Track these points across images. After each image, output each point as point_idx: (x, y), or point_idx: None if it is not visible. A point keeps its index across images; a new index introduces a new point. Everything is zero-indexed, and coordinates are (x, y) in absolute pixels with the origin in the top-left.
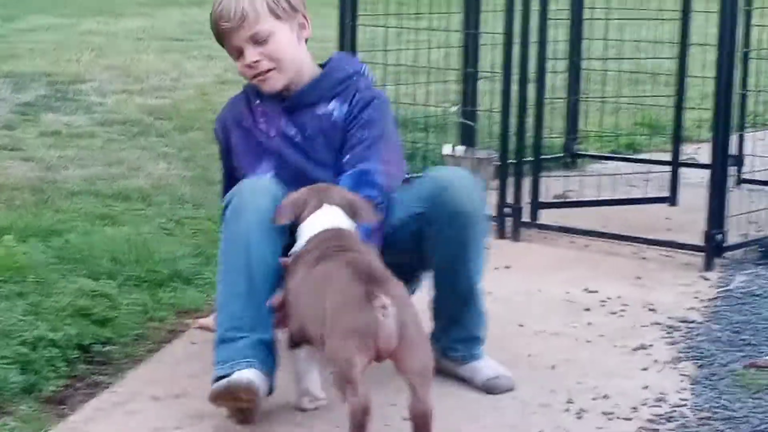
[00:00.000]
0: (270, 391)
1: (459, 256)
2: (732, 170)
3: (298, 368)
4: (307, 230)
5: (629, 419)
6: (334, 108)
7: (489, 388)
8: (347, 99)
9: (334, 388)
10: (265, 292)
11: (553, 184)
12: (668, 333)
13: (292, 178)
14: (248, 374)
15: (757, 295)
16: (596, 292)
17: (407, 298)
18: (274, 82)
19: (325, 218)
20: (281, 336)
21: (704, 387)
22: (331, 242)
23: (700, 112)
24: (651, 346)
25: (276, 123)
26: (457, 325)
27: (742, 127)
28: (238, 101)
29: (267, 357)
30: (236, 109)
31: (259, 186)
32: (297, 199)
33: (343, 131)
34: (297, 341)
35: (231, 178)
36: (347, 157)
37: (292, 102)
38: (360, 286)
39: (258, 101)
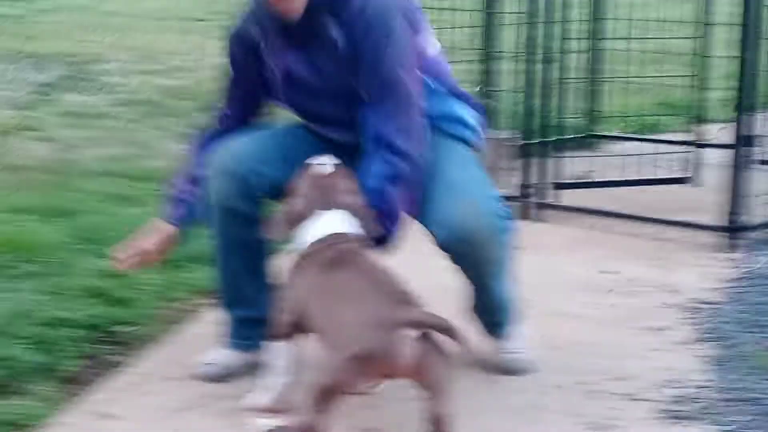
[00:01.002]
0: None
1: (483, 274)
2: (755, 150)
3: (273, 366)
4: (314, 230)
5: (649, 401)
6: (338, 36)
7: (507, 369)
8: (344, 19)
9: (302, 392)
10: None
11: (574, 165)
12: (689, 314)
13: (303, 113)
14: None
15: None
16: (617, 273)
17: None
18: (295, 3)
19: (334, 222)
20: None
21: (724, 368)
22: (344, 249)
23: (722, 92)
24: (671, 327)
25: (282, 57)
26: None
27: (765, 108)
28: (249, 25)
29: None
30: (248, 35)
31: (221, 165)
32: (292, 211)
33: (350, 60)
34: (288, 333)
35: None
36: (364, 117)
37: (296, 32)
38: (387, 310)
39: (265, 35)
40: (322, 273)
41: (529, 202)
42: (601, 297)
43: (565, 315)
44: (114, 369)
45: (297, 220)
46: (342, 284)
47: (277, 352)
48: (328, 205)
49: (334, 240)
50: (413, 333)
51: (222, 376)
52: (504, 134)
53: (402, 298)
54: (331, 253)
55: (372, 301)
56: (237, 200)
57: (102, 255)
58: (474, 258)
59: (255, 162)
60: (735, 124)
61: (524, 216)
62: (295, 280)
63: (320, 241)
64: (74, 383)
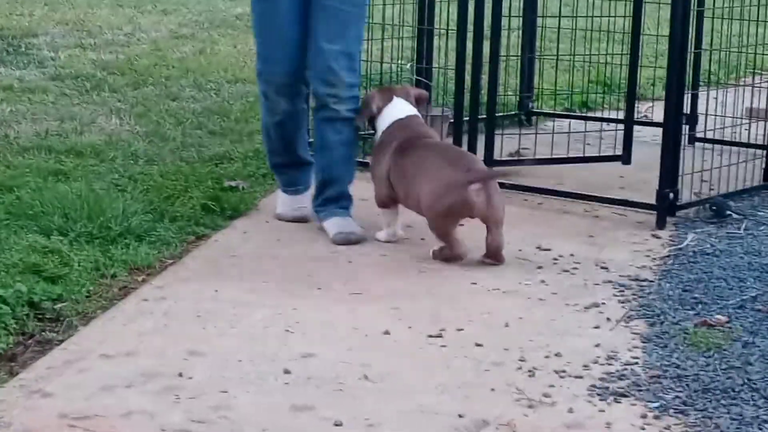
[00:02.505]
0: None
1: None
2: (685, 129)
3: (387, 219)
4: (382, 122)
5: (581, 377)
6: None
7: (337, 241)
8: None
9: (439, 243)
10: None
11: (507, 142)
12: (620, 291)
13: None
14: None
15: (709, 254)
16: (549, 250)
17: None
18: None
19: (395, 109)
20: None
21: (655, 345)
22: (407, 130)
23: (654, 71)
24: (603, 304)
25: None
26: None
27: (695, 86)
28: None
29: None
30: None
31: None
32: (369, 98)
33: None
34: (385, 203)
35: None
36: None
37: None
38: (458, 174)
39: None
40: (401, 151)
41: None
42: (535, 274)
43: (500, 292)
44: (49, 346)
45: (374, 112)
46: (420, 159)
47: (385, 214)
48: (391, 98)
49: (403, 123)
50: (478, 186)
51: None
52: (437, 111)
53: (466, 162)
54: (399, 139)
55: (447, 171)
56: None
57: (36, 231)
58: None
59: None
60: (666, 102)
61: None
62: (381, 159)
63: (388, 128)
64: (8, 360)
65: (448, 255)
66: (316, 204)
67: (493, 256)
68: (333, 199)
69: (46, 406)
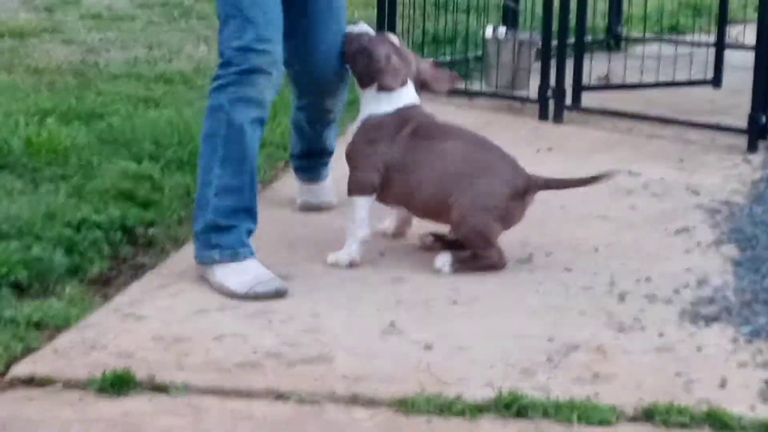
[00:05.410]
0: None
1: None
2: None
3: (360, 215)
4: (396, 101)
5: (671, 302)
6: None
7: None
8: None
9: (472, 248)
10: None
11: (595, 67)
12: (711, 216)
13: None
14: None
15: None
16: (639, 174)
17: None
18: None
19: (409, 93)
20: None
21: (747, 270)
22: (427, 119)
23: None
24: (694, 228)
25: None
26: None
27: None
28: None
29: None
30: None
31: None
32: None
33: None
34: (367, 190)
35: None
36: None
37: None
38: (521, 182)
39: None
40: (414, 141)
41: (550, 104)
42: (625, 199)
43: (589, 217)
44: (142, 270)
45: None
46: (453, 154)
47: (361, 206)
48: (406, 77)
49: (412, 110)
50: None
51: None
52: (524, 36)
53: (528, 176)
54: (414, 125)
55: (510, 175)
56: None
57: (126, 157)
58: None
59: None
60: (758, 25)
61: (545, 118)
62: (380, 145)
63: (401, 110)
64: (102, 285)
65: (488, 263)
66: (296, 165)
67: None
68: (311, 165)
69: (141, 329)
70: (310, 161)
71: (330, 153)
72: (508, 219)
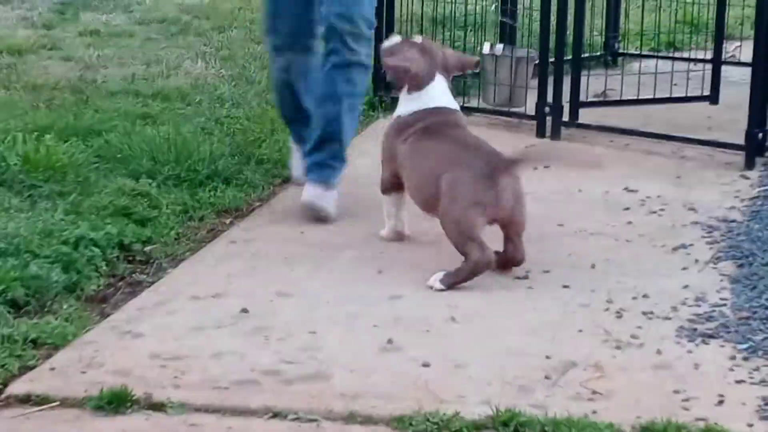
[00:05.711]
0: None
1: None
2: None
3: (388, 209)
4: (421, 100)
5: (669, 318)
6: None
7: (304, 208)
8: None
9: (455, 247)
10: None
11: (593, 83)
12: (708, 232)
13: None
14: None
15: None
16: (636, 191)
17: (519, 178)
18: None
19: (435, 93)
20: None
21: (744, 286)
22: (439, 118)
23: (742, 9)
24: (691, 245)
25: None
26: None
27: None
28: None
29: None
30: None
31: None
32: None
33: None
34: (389, 188)
35: None
36: None
37: None
38: (488, 166)
39: None
40: (416, 141)
41: (547, 120)
42: (622, 215)
43: (587, 234)
44: (139, 288)
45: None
46: (440, 150)
47: (387, 202)
48: (433, 74)
49: (433, 111)
50: (510, 182)
51: None
52: (521, 52)
53: (498, 157)
54: (426, 124)
55: (477, 163)
56: None
57: (124, 174)
58: None
59: None
60: (755, 41)
61: (542, 134)
62: (395, 144)
63: (424, 110)
64: (99, 302)
65: (472, 264)
66: (309, 162)
67: (508, 269)
68: (325, 162)
69: (138, 346)
70: (322, 154)
71: (341, 141)
72: (482, 204)
